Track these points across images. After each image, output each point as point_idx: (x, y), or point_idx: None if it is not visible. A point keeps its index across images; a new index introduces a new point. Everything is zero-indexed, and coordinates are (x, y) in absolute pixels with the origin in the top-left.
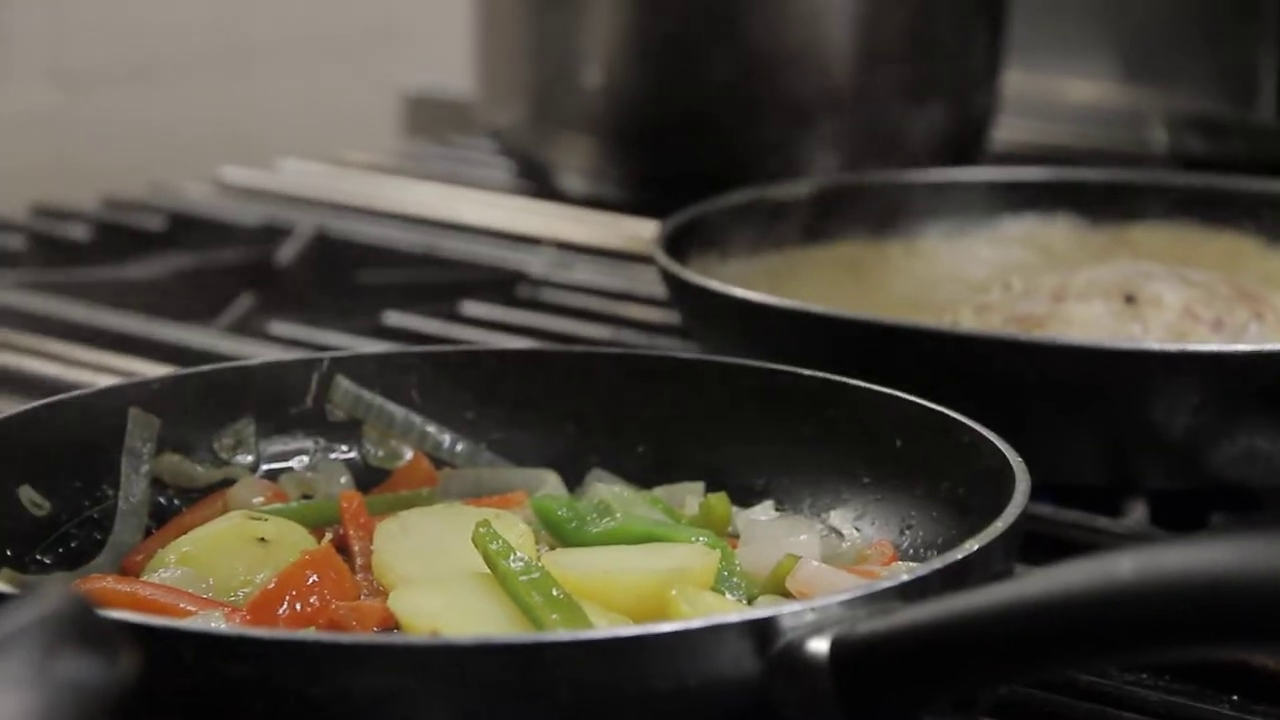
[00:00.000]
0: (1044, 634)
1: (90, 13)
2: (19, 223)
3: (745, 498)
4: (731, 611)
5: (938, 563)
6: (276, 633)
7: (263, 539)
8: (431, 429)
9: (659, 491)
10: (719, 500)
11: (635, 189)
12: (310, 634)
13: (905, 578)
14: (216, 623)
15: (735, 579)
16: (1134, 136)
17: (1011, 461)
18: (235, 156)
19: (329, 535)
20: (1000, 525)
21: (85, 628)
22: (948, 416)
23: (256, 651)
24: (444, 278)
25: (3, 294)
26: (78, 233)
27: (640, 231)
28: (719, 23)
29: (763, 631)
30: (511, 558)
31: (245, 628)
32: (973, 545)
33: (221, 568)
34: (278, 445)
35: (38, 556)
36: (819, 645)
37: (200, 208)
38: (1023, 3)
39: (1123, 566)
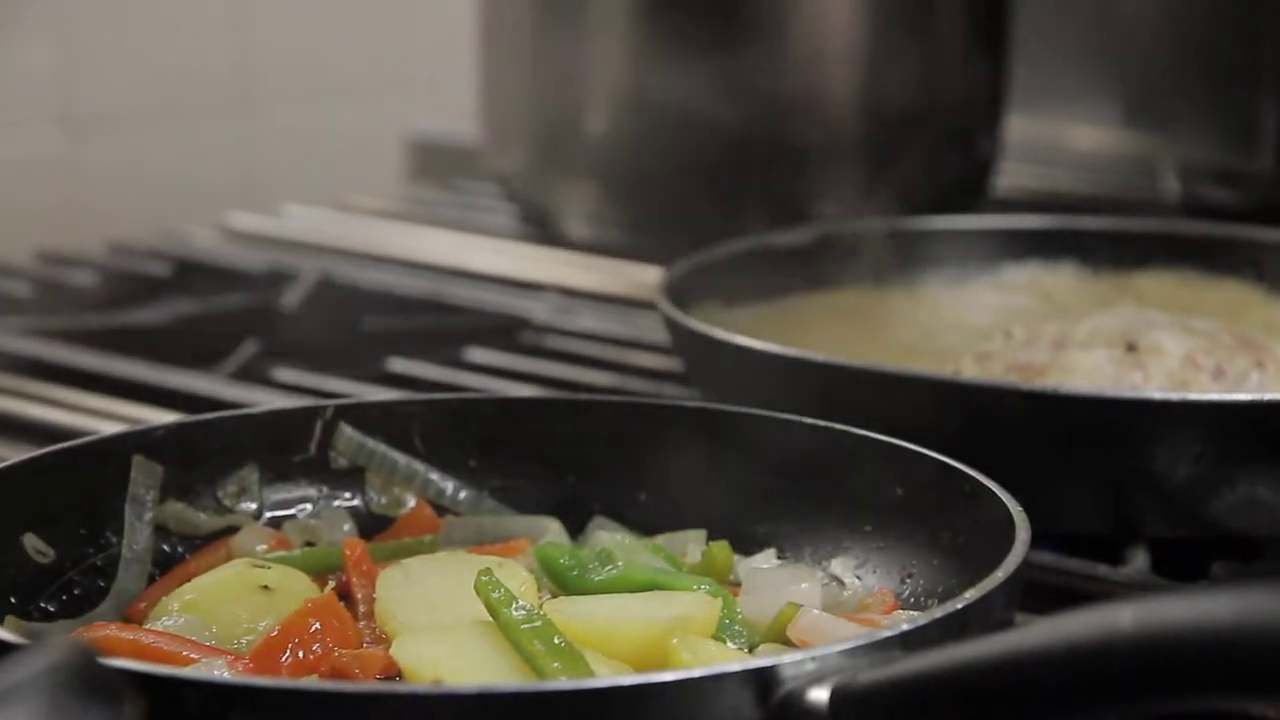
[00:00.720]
0: (1044, 684)
1: (97, 58)
2: (25, 269)
3: (747, 546)
4: (733, 660)
5: (938, 612)
6: (279, 681)
7: (266, 587)
8: (434, 476)
9: (661, 539)
10: (721, 548)
11: (638, 235)
12: (313, 682)
13: (905, 627)
14: (220, 671)
15: (737, 627)
16: (1137, 183)
17: (1012, 511)
18: (240, 201)
19: (332, 583)
20: (1000, 575)
21: (91, 678)
22: (949, 466)
23: (260, 700)
24: (448, 323)
25: (9, 340)
26: (84, 279)
27: (643, 277)
28: (722, 69)
29: (763, 680)
30: (513, 606)
31: (248, 676)
32: (973, 595)
33: (225, 615)
34: (281, 493)
35: (41, 604)
36: (819, 694)
37: (206, 254)
38: (1025, 49)
39: (1123, 617)
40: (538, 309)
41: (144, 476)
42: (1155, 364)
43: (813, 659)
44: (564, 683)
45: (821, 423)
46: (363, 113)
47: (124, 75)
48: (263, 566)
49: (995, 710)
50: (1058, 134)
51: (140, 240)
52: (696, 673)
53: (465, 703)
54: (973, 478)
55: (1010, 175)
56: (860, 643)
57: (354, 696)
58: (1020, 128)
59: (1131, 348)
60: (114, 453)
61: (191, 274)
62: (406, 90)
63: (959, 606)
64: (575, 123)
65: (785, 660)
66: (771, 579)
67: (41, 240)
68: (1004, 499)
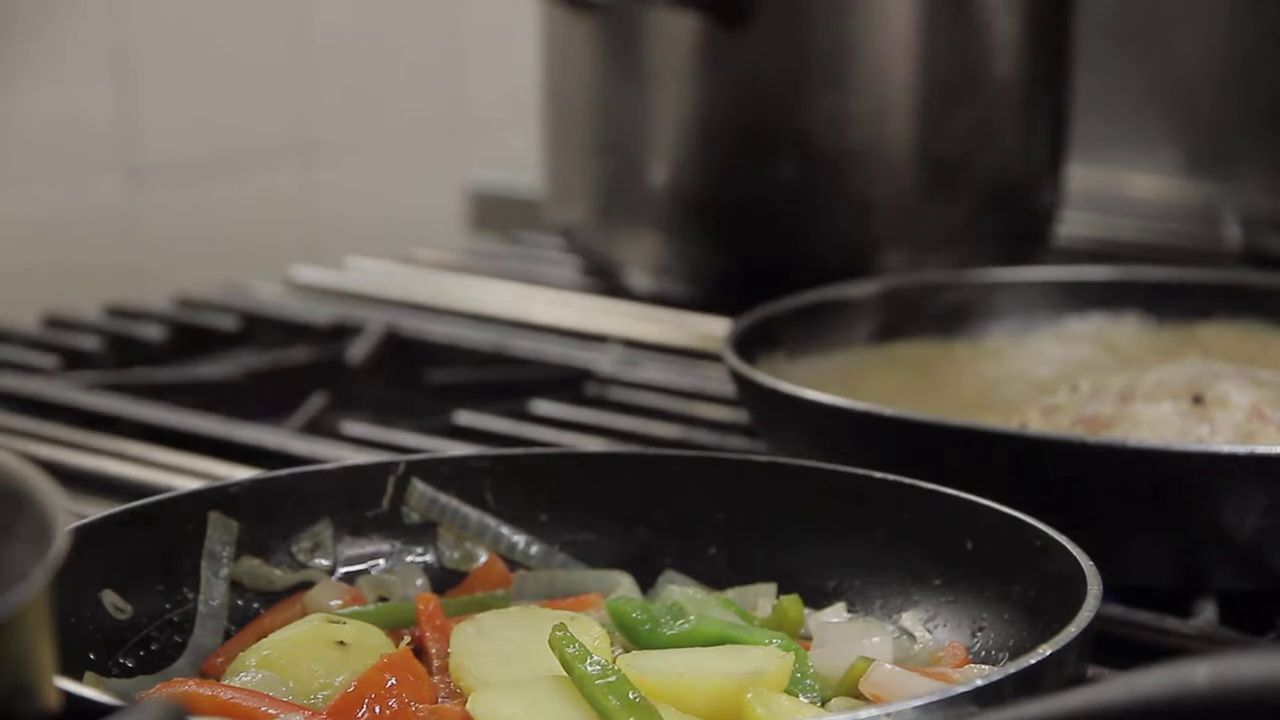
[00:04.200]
0: None
1: (158, 112)
2: (93, 323)
3: (817, 599)
4: (807, 716)
5: (1012, 667)
6: None
7: (341, 642)
8: (506, 531)
9: (731, 593)
10: (792, 602)
11: (702, 287)
12: None
13: (980, 682)
14: None
15: (809, 681)
16: (1199, 232)
17: (1083, 565)
18: (302, 255)
19: (406, 638)
20: (1073, 630)
21: None
22: (1018, 519)
23: None
24: (513, 376)
25: (80, 394)
26: (151, 333)
27: (708, 329)
28: (784, 122)
29: None
30: (588, 661)
31: None
32: (1046, 650)
33: (301, 671)
34: (355, 548)
35: (120, 660)
36: None
37: (271, 307)
38: (1086, 97)
39: (1198, 674)
40: (602, 361)
41: (220, 533)
42: (1222, 416)
43: (888, 715)
44: None
45: (890, 476)
46: (424, 165)
47: (186, 129)
48: (338, 622)
49: None
50: (1119, 182)
51: (206, 294)
52: None
53: None
54: (1042, 532)
55: (1071, 224)
56: (935, 699)
57: None
58: (1081, 176)
59: (1198, 400)
60: (191, 509)
61: (257, 327)
62: (467, 142)
63: (1033, 662)
64: (638, 174)
65: (861, 716)
66: (842, 633)
67: (105, 294)
68: (1074, 553)
